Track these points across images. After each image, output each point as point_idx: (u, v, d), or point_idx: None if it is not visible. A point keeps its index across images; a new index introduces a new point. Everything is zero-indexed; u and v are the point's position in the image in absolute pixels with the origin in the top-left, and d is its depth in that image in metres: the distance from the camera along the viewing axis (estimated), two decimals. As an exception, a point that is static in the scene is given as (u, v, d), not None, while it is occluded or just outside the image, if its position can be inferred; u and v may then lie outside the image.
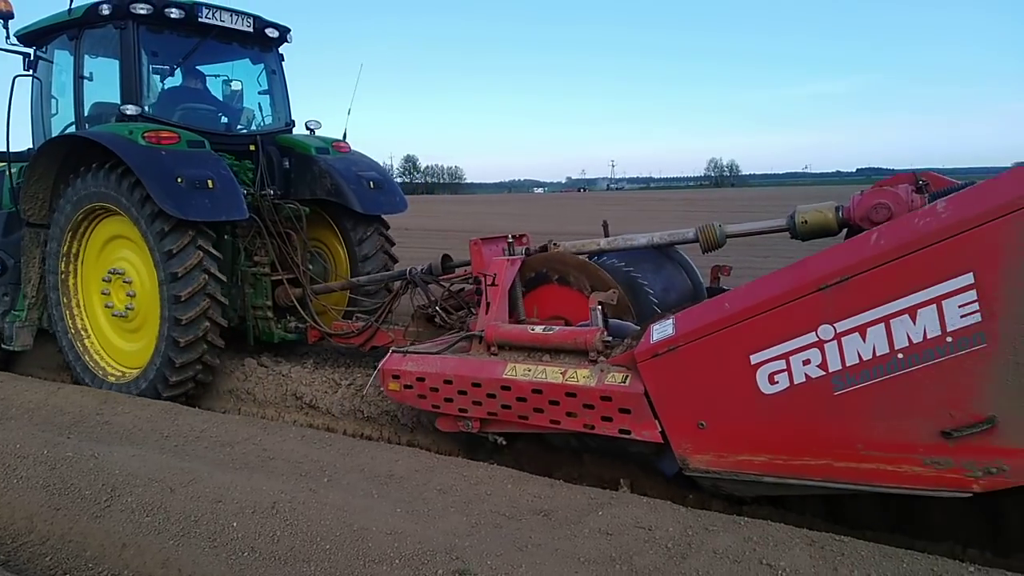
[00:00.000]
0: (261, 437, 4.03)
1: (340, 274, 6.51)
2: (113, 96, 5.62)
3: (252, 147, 6.21)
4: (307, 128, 6.68)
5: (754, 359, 2.80)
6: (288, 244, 5.87)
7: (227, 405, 5.36)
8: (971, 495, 2.52)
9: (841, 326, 2.62)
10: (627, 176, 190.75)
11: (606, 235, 4.68)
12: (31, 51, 6.10)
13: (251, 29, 6.13)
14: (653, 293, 4.10)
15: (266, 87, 6.60)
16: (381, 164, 6.81)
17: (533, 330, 3.53)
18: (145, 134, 5.05)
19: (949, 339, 2.45)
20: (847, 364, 2.63)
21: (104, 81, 5.75)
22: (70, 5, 5.62)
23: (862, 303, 2.57)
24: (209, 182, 5.00)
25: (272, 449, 3.83)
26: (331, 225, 6.53)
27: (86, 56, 5.73)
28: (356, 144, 6.76)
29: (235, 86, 6.53)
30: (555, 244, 4.51)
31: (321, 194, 6.20)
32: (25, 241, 5.93)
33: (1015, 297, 2.34)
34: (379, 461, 3.59)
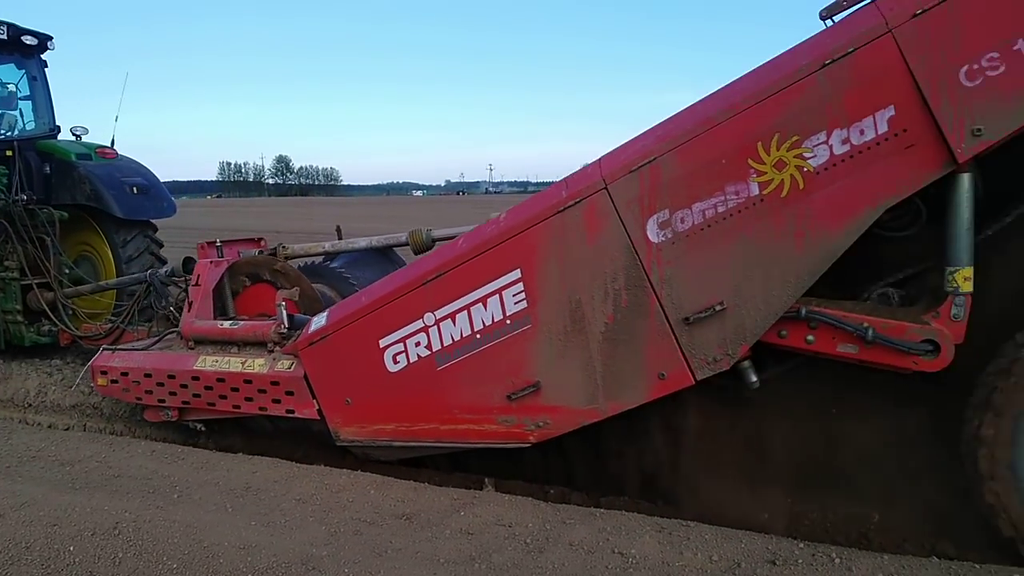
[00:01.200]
0: (107, 454, 3.82)
1: (108, 277, 6.58)
2: None
3: (9, 152, 6.18)
4: (72, 134, 6.71)
5: (382, 343, 3.33)
6: (41, 249, 5.90)
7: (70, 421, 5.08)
8: (530, 444, 3.15)
9: (439, 313, 3.19)
10: (506, 180, 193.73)
11: (339, 238, 5.13)
12: None
13: (6, 37, 6.11)
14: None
15: (28, 93, 6.57)
16: (149, 169, 6.91)
17: (222, 325, 3.91)
18: None
19: (508, 321, 3.07)
20: (444, 344, 3.20)
21: None
22: None
23: (452, 294, 3.15)
24: None
25: (118, 466, 3.64)
26: (96, 229, 6.59)
27: None
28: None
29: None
30: (284, 247, 4.91)
31: (81, 199, 6.27)
32: None
33: (545, 287, 2.98)
34: (236, 474, 3.47)
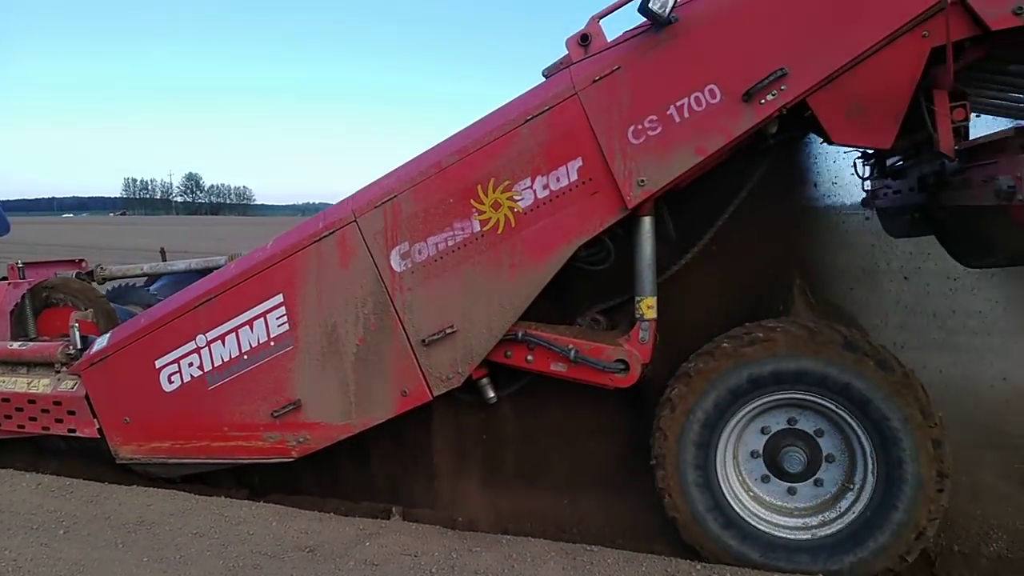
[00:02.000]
0: None
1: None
2: None
3: None
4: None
5: (158, 364, 3.47)
6: None
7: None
8: (292, 459, 3.36)
9: (210, 335, 3.37)
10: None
11: (163, 259, 5.21)
12: None
13: None
14: None
15: None
16: None
17: (11, 346, 3.95)
18: None
19: (272, 343, 3.28)
20: (215, 365, 3.37)
21: None
22: None
23: (221, 317, 3.34)
24: None
25: (1, 502, 3.46)
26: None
27: None
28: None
29: None
30: (102, 268, 4.96)
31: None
32: None
33: (305, 312, 3.22)
34: (128, 507, 3.33)
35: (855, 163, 3.87)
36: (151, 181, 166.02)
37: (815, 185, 3.47)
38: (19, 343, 3.97)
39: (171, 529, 3.09)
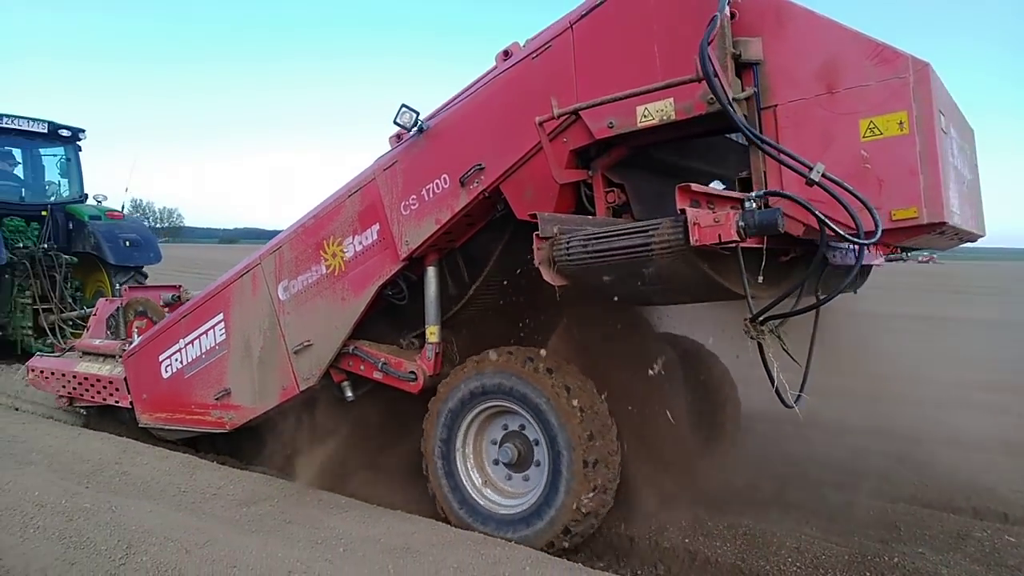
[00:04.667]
0: (279, 499, 4.03)
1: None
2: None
3: (44, 212, 8.56)
4: (94, 200, 9.05)
5: (160, 358, 5.05)
6: (51, 284, 8.17)
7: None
8: (227, 431, 4.74)
9: (186, 340, 4.88)
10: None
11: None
12: None
13: (46, 131, 8.57)
14: None
15: (64, 170, 9.01)
16: (146, 228, 9.15)
17: (94, 342, 5.79)
18: None
19: (216, 347, 4.71)
20: (190, 360, 4.87)
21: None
22: None
23: (192, 327, 4.83)
24: None
25: (290, 513, 3.82)
26: (103, 272, 8.85)
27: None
28: None
29: (37, 167, 8.95)
30: (186, 291, 6.80)
31: (88, 249, 8.53)
32: None
33: (233, 326, 4.60)
34: (395, 533, 3.52)
35: None
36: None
37: None
38: (99, 340, 5.80)
39: (434, 560, 3.18)
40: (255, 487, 4.23)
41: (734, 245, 2.53)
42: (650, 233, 2.64)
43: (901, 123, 2.66)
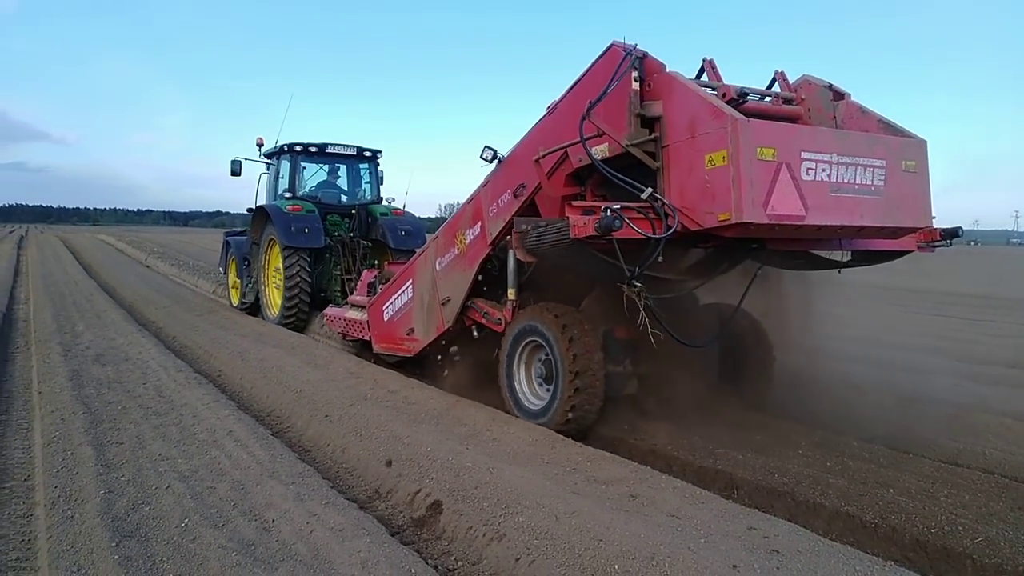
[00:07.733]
0: (633, 482, 4.10)
1: (389, 280, 12.22)
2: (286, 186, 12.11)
3: (353, 212, 12.25)
4: (387, 201, 12.56)
5: (383, 308, 7.84)
6: (353, 260, 11.74)
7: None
8: (412, 356, 7.28)
9: (395, 296, 7.57)
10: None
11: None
12: (267, 161, 12.91)
13: (355, 153, 12.22)
14: None
15: (368, 179, 12.66)
16: (418, 219, 12.40)
17: (356, 297, 8.83)
18: (288, 207, 11.30)
19: (408, 301, 7.30)
20: (396, 309, 7.56)
21: (286, 179, 12.27)
22: (276, 146, 12.22)
23: (396, 288, 7.50)
24: (306, 229, 11.05)
25: (644, 496, 3.87)
26: (390, 255, 12.29)
27: (282, 166, 12.30)
28: None
29: (351, 178, 12.71)
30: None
31: (378, 237, 11.98)
32: (252, 254, 12.64)
33: (416, 288, 7.13)
34: (758, 534, 3.42)
35: None
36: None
37: None
38: (360, 296, 8.83)
39: (802, 567, 3.08)
40: (609, 467, 4.37)
41: (608, 238, 4.15)
42: (559, 228, 4.38)
43: (724, 157, 4.04)
